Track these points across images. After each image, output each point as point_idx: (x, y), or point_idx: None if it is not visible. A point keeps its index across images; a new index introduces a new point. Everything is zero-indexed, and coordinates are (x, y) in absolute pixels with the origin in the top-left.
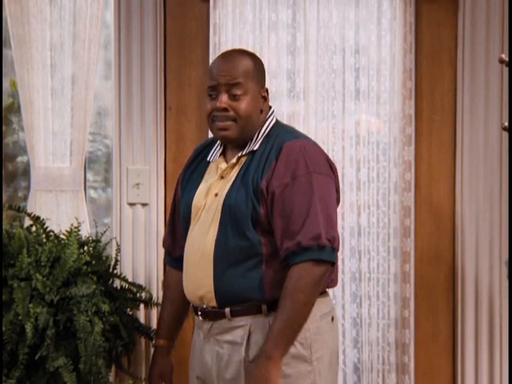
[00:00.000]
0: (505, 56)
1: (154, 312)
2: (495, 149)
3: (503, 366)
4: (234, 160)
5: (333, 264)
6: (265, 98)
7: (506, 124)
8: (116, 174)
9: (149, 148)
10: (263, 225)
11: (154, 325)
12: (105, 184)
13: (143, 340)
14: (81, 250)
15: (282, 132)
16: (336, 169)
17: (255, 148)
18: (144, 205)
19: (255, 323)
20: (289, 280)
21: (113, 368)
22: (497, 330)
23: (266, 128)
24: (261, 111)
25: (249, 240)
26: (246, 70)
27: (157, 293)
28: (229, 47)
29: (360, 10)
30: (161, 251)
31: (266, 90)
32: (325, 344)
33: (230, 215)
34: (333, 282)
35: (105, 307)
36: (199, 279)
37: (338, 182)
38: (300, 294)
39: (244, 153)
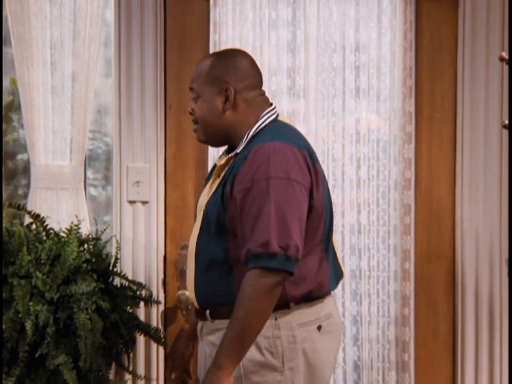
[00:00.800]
0: (505, 54)
1: (154, 310)
2: (495, 147)
3: (503, 364)
4: (223, 162)
5: (289, 273)
6: (228, 98)
7: (506, 121)
8: (116, 172)
9: (149, 145)
10: (229, 231)
11: (154, 322)
12: (105, 182)
13: (142, 338)
14: (81, 248)
15: (264, 134)
16: (317, 173)
17: (238, 150)
18: (144, 202)
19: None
20: (241, 287)
21: (113, 366)
22: (497, 328)
23: (256, 129)
24: (224, 112)
25: (220, 245)
26: (199, 73)
27: (157, 291)
28: (229, 45)
29: (360, 8)
30: (161, 249)
31: (230, 90)
32: (302, 354)
33: (206, 218)
34: (318, 291)
35: (105, 305)
36: (188, 279)
37: (316, 186)
38: (248, 301)
39: (231, 155)
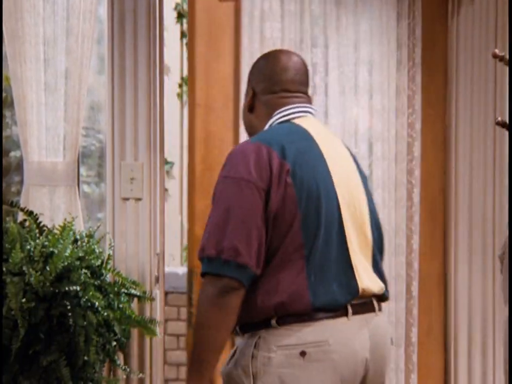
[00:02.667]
0: (498, 51)
1: (148, 307)
2: (488, 144)
3: (496, 362)
4: None
5: (232, 278)
6: (252, 98)
7: (500, 118)
8: (109, 168)
9: (142, 142)
10: None
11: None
12: (98, 179)
13: (136, 335)
14: (75, 245)
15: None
16: (285, 172)
17: None
18: (137, 199)
19: (238, 344)
20: None
21: (106, 363)
22: (490, 326)
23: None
24: (247, 112)
25: None
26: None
27: (150, 288)
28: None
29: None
30: (155, 246)
31: (250, 91)
32: (278, 380)
33: None
34: (293, 304)
35: (98, 302)
36: None
37: (278, 187)
38: (197, 313)
39: None
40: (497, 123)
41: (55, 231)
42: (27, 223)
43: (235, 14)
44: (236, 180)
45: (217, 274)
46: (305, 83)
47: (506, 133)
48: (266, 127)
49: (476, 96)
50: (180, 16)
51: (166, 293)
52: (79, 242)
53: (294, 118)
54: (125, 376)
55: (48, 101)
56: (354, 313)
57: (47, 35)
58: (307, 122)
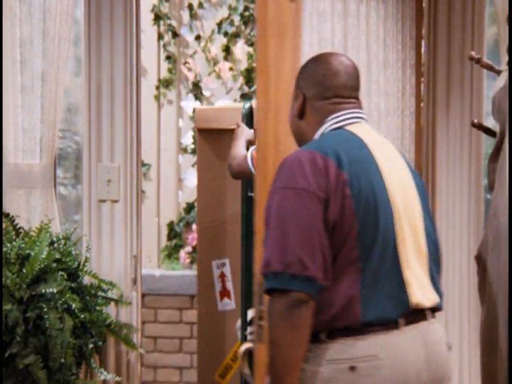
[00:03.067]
0: (475, 54)
1: (125, 310)
2: (465, 146)
3: (472, 364)
4: None
5: (302, 292)
6: (302, 103)
7: (476, 120)
8: (86, 170)
9: (119, 144)
10: None
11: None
12: (75, 181)
13: (112, 338)
14: (51, 248)
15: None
16: (343, 182)
17: None
18: (114, 201)
19: (310, 349)
20: None
21: (83, 366)
22: (466, 328)
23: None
24: (296, 117)
25: None
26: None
27: (127, 291)
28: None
29: None
30: (132, 248)
31: (300, 96)
32: None
33: None
34: (345, 318)
35: (75, 304)
36: None
37: (335, 196)
38: (269, 331)
39: None
40: (473, 125)
41: (32, 233)
42: (3, 225)
43: (296, 14)
44: (296, 191)
45: (285, 289)
46: (357, 88)
47: (482, 134)
48: (318, 133)
49: (453, 99)
50: (157, 18)
51: (143, 295)
52: (55, 245)
53: (346, 125)
54: (102, 379)
55: (25, 103)
56: (406, 324)
57: (24, 37)
58: (360, 129)
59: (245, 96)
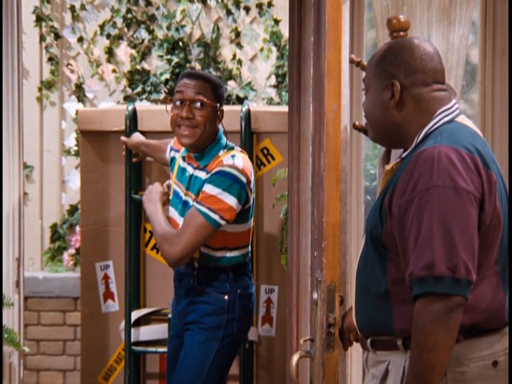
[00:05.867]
0: (355, 57)
1: (7, 313)
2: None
3: None
4: (388, 167)
5: (463, 297)
6: (394, 94)
7: (357, 122)
8: None
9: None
10: (387, 249)
11: (10, 325)
12: None
13: None
14: None
15: (433, 137)
16: (491, 181)
17: (403, 155)
18: None
19: (393, 360)
20: (412, 319)
21: None
22: None
23: (427, 131)
24: (389, 109)
25: (376, 265)
26: (371, 63)
27: (10, 293)
28: None
29: None
30: (14, 250)
31: (396, 85)
32: None
33: (366, 234)
34: (486, 323)
35: None
36: (353, 303)
37: (489, 196)
38: (421, 336)
39: (397, 160)
40: (355, 127)
41: None
42: None
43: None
44: (457, 191)
45: (446, 293)
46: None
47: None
48: (429, 126)
49: None
50: (39, 19)
51: (26, 298)
52: None
53: (455, 117)
54: None
55: None
56: None
57: None
58: (468, 122)
59: (128, 98)
